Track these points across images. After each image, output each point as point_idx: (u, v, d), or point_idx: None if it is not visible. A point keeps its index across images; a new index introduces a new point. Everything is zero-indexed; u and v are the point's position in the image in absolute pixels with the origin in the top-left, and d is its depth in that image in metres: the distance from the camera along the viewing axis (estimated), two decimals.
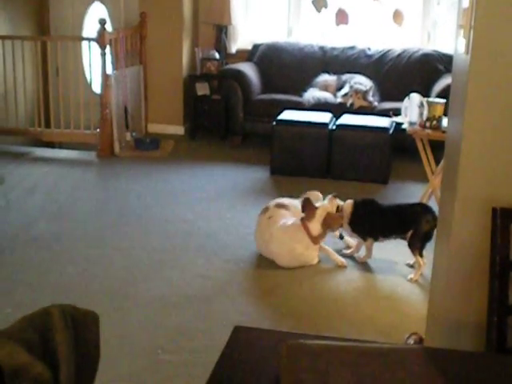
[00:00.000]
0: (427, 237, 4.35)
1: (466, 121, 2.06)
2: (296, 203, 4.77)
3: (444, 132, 4.87)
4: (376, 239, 4.53)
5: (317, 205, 4.52)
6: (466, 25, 2.03)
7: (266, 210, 4.69)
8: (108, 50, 6.84)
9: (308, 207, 4.47)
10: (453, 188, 2.17)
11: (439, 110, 4.94)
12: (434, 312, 2.46)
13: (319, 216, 4.46)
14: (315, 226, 4.45)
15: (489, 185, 2.11)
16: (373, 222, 4.52)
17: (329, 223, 4.45)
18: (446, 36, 7.86)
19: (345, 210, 4.52)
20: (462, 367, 1.41)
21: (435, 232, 4.45)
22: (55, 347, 1.16)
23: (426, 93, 6.41)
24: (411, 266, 4.49)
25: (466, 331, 2.22)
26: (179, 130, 8.00)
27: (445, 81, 6.93)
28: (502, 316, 1.96)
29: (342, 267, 4.47)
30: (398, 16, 7.61)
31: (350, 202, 4.56)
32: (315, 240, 4.46)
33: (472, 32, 1.99)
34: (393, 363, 1.28)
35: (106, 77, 6.85)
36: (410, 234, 4.36)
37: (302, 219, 4.49)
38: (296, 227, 4.50)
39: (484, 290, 2.06)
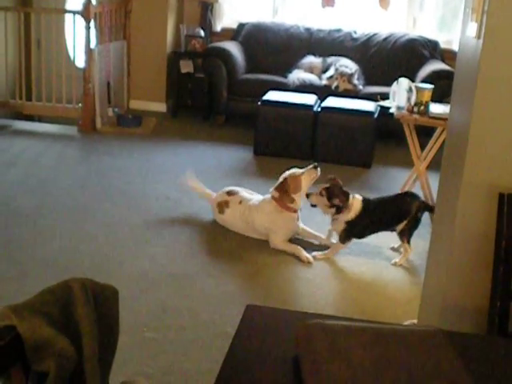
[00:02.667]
0: (418, 224, 4.39)
1: (475, 106, 2.05)
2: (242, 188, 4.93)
3: (431, 117, 4.87)
4: (361, 238, 4.47)
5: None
6: (479, 9, 2.02)
7: (226, 203, 4.74)
8: (92, 23, 6.74)
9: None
10: (457, 173, 2.17)
11: (427, 96, 4.94)
12: (430, 296, 2.46)
13: (278, 180, 4.55)
14: (274, 189, 4.55)
15: (495, 171, 2.11)
16: (366, 225, 4.40)
17: (284, 185, 4.49)
18: (430, 22, 7.87)
19: (354, 207, 4.31)
20: (481, 350, 1.41)
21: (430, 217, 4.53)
22: (77, 321, 1.14)
23: (410, 78, 6.41)
24: (395, 250, 4.51)
25: (467, 315, 2.22)
26: (161, 107, 7.94)
27: (430, 66, 6.96)
28: (505, 301, 1.96)
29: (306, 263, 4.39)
30: (384, 1, 7.59)
31: (359, 198, 4.37)
32: (281, 203, 4.50)
33: (485, 16, 1.98)
34: (412, 345, 1.27)
35: (89, 51, 6.75)
36: (403, 224, 4.35)
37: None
38: (266, 199, 4.61)
39: (487, 275, 2.07)
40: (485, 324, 2.07)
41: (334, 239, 4.52)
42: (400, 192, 4.52)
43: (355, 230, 4.37)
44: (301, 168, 4.61)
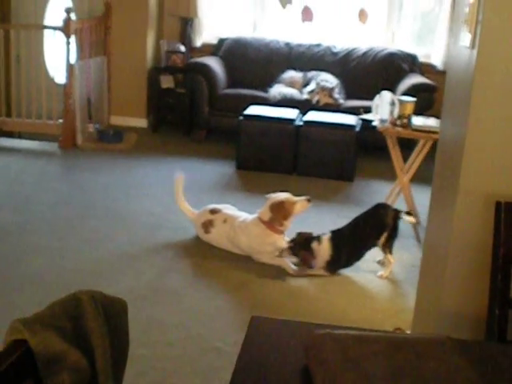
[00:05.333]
0: (397, 233, 4.40)
1: (471, 115, 2.06)
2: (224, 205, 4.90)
3: (414, 130, 4.90)
4: (349, 266, 4.43)
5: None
6: (472, 19, 2.04)
7: (210, 222, 4.70)
8: (73, 39, 6.71)
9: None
10: (453, 183, 2.18)
11: (409, 109, 4.97)
12: (425, 305, 2.47)
13: (267, 203, 4.53)
14: (264, 212, 4.51)
15: (492, 179, 2.12)
16: (350, 253, 4.39)
17: (274, 209, 4.46)
18: (408, 36, 7.95)
19: (323, 250, 4.32)
20: (491, 357, 1.41)
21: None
22: (88, 334, 1.12)
23: (390, 92, 6.45)
24: (381, 264, 4.51)
25: (464, 324, 2.23)
26: (142, 122, 7.91)
27: (410, 80, 7.01)
28: (504, 309, 1.97)
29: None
30: (362, 15, 7.65)
31: (326, 237, 4.37)
32: (270, 226, 4.47)
33: (480, 26, 2.00)
34: (423, 353, 1.27)
35: (70, 66, 6.72)
36: (384, 237, 4.36)
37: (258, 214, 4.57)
38: (254, 221, 4.55)
39: (484, 284, 2.08)
40: (482, 332, 2.08)
41: None
42: (370, 207, 4.49)
43: (339, 261, 4.37)
44: (283, 191, 4.63)
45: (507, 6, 1.98)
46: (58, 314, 1.13)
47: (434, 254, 2.45)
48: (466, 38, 2.14)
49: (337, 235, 4.38)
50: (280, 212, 4.45)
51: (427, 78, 7.14)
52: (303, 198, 4.53)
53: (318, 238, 4.34)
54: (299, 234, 4.40)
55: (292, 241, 4.38)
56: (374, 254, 4.53)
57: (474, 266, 2.19)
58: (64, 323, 1.12)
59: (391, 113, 4.96)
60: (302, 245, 4.34)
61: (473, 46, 2.06)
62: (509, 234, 2.00)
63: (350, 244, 4.37)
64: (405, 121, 4.91)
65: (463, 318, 2.22)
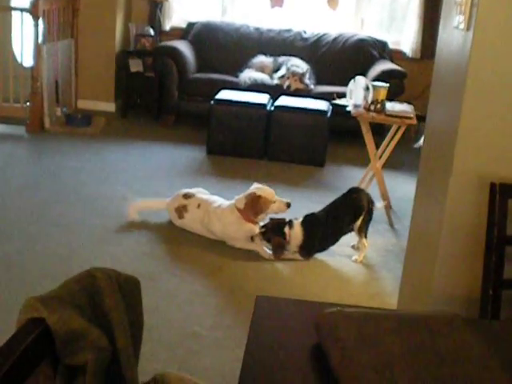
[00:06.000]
0: (371, 217, 4.43)
1: (466, 97, 2.07)
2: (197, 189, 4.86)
3: (388, 115, 4.92)
4: (324, 250, 4.44)
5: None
6: (467, 1, 2.04)
7: (184, 207, 4.65)
8: (41, 21, 6.59)
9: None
10: (446, 165, 2.19)
11: (382, 94, 4.99)
12: (412, 286, 2.48)
13: (246, 192, 4.51)
14: (240, 200, 4.49)
15: (486, 160, 2.14)
16: (324, 237, 4.39)
17: (250, 200, 4.44)
18: (378, 23, 7.97)
19: (295, 234, 4.33)
20: (499, 334, 1.42)
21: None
22: (106, 312, 1.09)
23: None
24: (356, 248, 4.53)
25: (455, 304, 2.24)
26: (110, 106, 7.82)
27: (380, 66, 7.04)
28: (498, 289, 1.99)
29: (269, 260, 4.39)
30: (332, 1, 7.66)
31: (298, 221, 4.38)
32: (244, 214, 4.45)
33: (475, 8, 2.00)
34: (435, 330, 1.27)
35: (38, 49, 6.60)
36: (360, 220, 4.38)
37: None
38: (230, 208, 4.53)
39: (477, 264, 2.09)
40: (474, 312, 2.10)
41: None
42: (345, 192, 4.51)
43: (312, 245, 4.37)
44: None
45: None
46: (74, 291, 1.10)
47: (423, 237, 2.46)
48: (459, 21, 2.15)
49: (309, 220, 4.38)
50: (253, 206, 4.43)
51: (397, 64, 7.17)
52: (284, 200, 4.49)
53: (290, 223, 4.34)
54: (271, 220, 4.41)
55: (264, 226, 4.38)
56: (349, 238, 4.55)
57: (467, 247, 2.21)
58: (81, 300, 1.09)
59: (365, 98, 4.97)
60: (274, 230, 4.34)
61: (468, 27, 2.07)
62: (503, 214, 2.01)
63: (324, 228, 4.37)
64: (378, 106, 4.93)
65: (455, 299, 2.23)
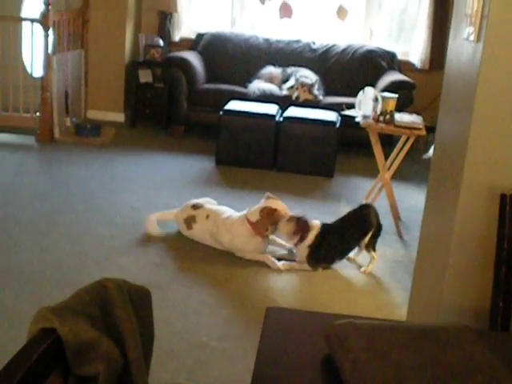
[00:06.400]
0: (380, 233, 4.44)
1: (476, 108, 2.07)
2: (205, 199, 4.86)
3: (397, 126, 4.92)
4: (330, 265, 4.42)
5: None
6: (477, 13, 2.04)
7: (193, 218, 4.64)
8: (51, 32, 6.63)
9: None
10: (456, 176, 2.18)
11: (391, 105, 4.99)
12: (422, 298, 2.47)
13: (259, 205, 4.49)
14: (253, 213, 4.47)
15: (496, 172, 2.13)
16: (332, 249, 4.38)
17: (264, 213, 4.43)
18: (387, 34, 7.99)
19: (313, 229, 4.35)
20: (510, 346, 1.42)
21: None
22: (117, 323, 1.09)
23: None
24: (352, 261, 4.53)
25: (465, 316, 2.24)
26: (119, 117, 7.84)
27: (389, 77, 7.05)
28: (508, 301, 1.98)
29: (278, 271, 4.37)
30: (341, 12, 7.66)
31: (318, 222, 4.40)
32: (255, 228, 4.45)
33: (486, 20, 2.00)
34: (446, 342, 1.27)
35: (48, 59, 6.64)
36: (368, 237, 4.38)
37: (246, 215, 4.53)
38: (241, 220, 4.52)
39: (487, 276, 2.09)
40: (484, 324, 2.09)
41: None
42: (355, 208, 4.52)
43: (320, 253, 4.35)
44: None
45: None
46: (86, 301, 1.10)
47: (433, 248, 2.45)
48: (469, 32, 2.15)
49: (325, 228, 4.39)
50: (269, 219, 4.42)
51: (405, 75, 7.18)
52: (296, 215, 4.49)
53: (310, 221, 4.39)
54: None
55: (297, 217, 4.39)
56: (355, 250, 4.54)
57: (477, 258, 2.20)
58: (93, 311, 1.09)
59: (374, 109, 4.97)
60: (303, 222, 4.36)
61: (478, 39, 2.07)
62: None
63: (335, 240, 4.36)
64: (387, 117, 4.93)
65: (465, 311, 2.23)
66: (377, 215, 4.44)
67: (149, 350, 1.25)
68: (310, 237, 4.33)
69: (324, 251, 4.35)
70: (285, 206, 4.52)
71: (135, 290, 1.21)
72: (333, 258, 4.41)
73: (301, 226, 4.34)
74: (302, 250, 4.36)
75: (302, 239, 4.34)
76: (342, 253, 4.42)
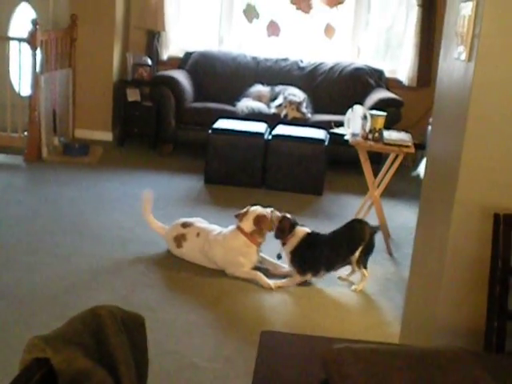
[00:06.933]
0: (373, 248, 4.42)
1: (468, 128, 2.07)
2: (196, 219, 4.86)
3: (386, 144, 4.93)
4: (316, 274, 4.39)
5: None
6: (468, 32, 2.05)
7: (183, 236, 4.65)
8: (38, 51, 6.62)
9: (240, 214, 4.58)
10: (448, 196, 2.18)
11: (380, 123, 5.00)
12: (414, 318, 2.46)
13: (250, 215, 4.50)
14: (247, 224, 4.48)
15: (489, 191, 2.13)
16: (320, 255, 4.36)
17: (259, 222, 4.45)
18: (374, 51, 8.03)
19: (296, 235, 4.39)
20: (507, 369, 1.40)
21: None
22: (111, 351, 1.07)
23: None
24: (344, 280, 4.52)
25: (459, 336, 2.23)
26: (107, 136, 7.83)
27: (377, 95, 7.08)
28: (502, 321, 1.97)
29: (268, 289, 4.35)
30: (329, 30, 7.69)
31: (305, 229, 4.44)
32: (251, 238, 4.46)
33: (477, 40, 2.01)
34: (444, 366, 1.25)
35: (36, 78, 6.62)
36: (358, 252, 4.36)
37: (238, 226, 4.54)
38: (233, 232, 4.52)
39: (480, 296, 2.08)
40: (478, 344, 2.08)
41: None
42: (347, 222, 4.51)
43: (302, 259, 4.34)
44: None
45: (506, 18, 2.00)
46: (79, 330, 1.08)
47: (426, 267, 2.44)
48: (460, 52, 2.16)
49: (313, 234, 4.43)
50: (263, 226, 4.45)
51: (393, 92, 7.21)
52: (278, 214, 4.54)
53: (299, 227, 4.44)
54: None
55: (284, 217, 4.45)
56: (346, 267, 4.52)
57: (471, 277, 2.20)
58: (86, 340, 1.07)
59: (363, 127, 4.98)
60: (289, 220, 4.43)
61: (469, 58, 2.08)
62: (507, 245, 2.00)
63: (322, 250, 4.36)
64: (376, 135, 4.94)
65: (459, 331, 2.22)
66: (371, 232, 4.42)
67: (143, 377, 1.23)
68: (292, 242, 4.36)
69: (309, 258, 4.34)
70: (269, 210, 4.54)
71: (129, 317, 1.19)
72: (319, 268, 4.37)
73: (282, 225, 4.40)
74: (287, 254, 4.41)
75: (281, 238, 4.40)
76: (330, 264, 4.39)
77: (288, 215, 4.49)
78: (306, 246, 4.36)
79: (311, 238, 4.40)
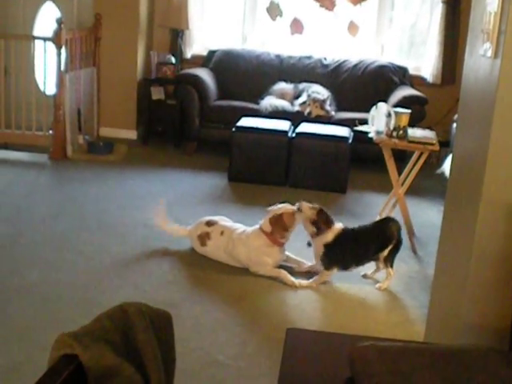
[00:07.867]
0: (401, 247, 4.41)
1: (494, 125, 2.06)
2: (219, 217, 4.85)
3: (410, 142, 4.90)
4: (345, 269, 4.39)
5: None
6: (494, 29, 2.04)
7: (207, 234, 4.64)
8: (63, 50, 6.67)
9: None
10: (474, 194, 2.17)
11: (404, 120, 4.97)
12: (440, 317, 2.44)
13: (268, 215, 4.49)
14: (265, 223, 4.47)
15: None
16: (351, 251, 4.36)
17: (275, 221, 4.43)
18: (398, 49, 7.98)
19: (332, 231, 4.35)
20: None
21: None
22: (139, 348, 1.08)
23: None
24: (368, 277, 4.50)
25: (486, 335, 2.21)
26: (131, 134, 7.86)
27: (401, 92, 7.04)
28: None
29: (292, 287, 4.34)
30: (352, 27, 7.65)
31: (339, 224, 4.41)
32: (271, 237, 4.44)
33: (503, 36, 1.99)
34: (471, 365, 1.25)
35: (61, 77, 6.67)
36: (388, 250, 4.34)
37: (260, 225, 4.53)
38: (256, 232, 4.52)
39: (507, 293, 2.06)
40: (504, 342, 2.06)
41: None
42: (379, 219, 4.50)
43: (335, 255, 4.34)
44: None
45: None
46: (107, 327, 1.09)
47: (451, 265, 2.43)
48: (486, 48, 2.14)
49: (347, 231, 4.39)
50: (279, 225, 4.43)
51: (417, 90, 7.17)
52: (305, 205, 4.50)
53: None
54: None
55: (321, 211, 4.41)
56: (371, 265, 4.51)
57: (497, 275, 2.18)
58: (114, 336, 1.08)
59: (387, 124, 4.96)
60: (327, 217, 4.40)
61: (495, 55, 2.06)
62: None
63: (353, 245, 4.35)
64: (401, 132, 4.91)
65: (484, 329, 2.20)
66: (399, 230, 4.41)
67: (170, 374, 1.24)
68: (330, 236, 4.32)
69: (340, 254, 4.34)
70: (288, 205, 4.51)
71: (156, 314, 1.20)
72: (348, 263, 4.38)
73: (321, 218, 4.35)
74: (319, 247, 4.35)
75: (318, 231, 4.34)
76: (358, 260, 4.39)
77: (322, 208, 4.44)
78: (340, 241, 4.34)
79: (344, 233, 4.37)
